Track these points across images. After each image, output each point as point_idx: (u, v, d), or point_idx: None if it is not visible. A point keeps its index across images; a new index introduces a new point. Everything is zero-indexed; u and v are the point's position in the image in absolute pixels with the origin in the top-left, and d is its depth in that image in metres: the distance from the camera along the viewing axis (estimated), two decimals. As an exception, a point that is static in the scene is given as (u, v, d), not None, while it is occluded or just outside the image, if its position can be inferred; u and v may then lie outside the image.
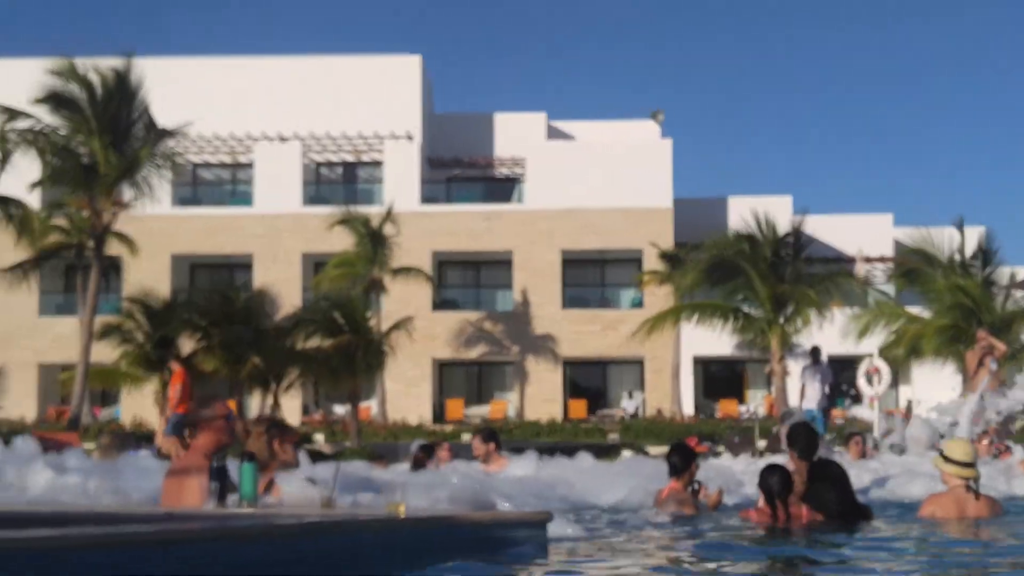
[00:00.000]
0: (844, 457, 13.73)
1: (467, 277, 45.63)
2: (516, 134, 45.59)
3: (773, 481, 7.92)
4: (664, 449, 17.96)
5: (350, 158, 45.71)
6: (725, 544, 7.06)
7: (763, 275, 31.12)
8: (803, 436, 8.96)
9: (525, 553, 5.63)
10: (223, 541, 4.75)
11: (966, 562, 6.31)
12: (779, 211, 34.93)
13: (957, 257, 31.63)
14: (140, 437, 26.48)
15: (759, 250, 31.50)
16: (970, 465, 8.16)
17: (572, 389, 43.34)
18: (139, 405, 30.06)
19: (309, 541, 4.97)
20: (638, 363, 42.89)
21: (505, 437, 34.76)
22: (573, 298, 43.90)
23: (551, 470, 11.88)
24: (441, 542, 5.42)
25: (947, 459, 8.23)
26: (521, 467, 12.23)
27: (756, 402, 42.28)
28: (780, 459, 11.11)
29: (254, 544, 4.82)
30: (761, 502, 7.99)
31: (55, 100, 28.42)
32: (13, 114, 28.04)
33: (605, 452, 23.98)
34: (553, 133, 46.84)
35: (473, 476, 10.74)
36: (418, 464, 13.08)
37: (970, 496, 8.15)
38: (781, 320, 31.25)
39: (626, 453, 25.86)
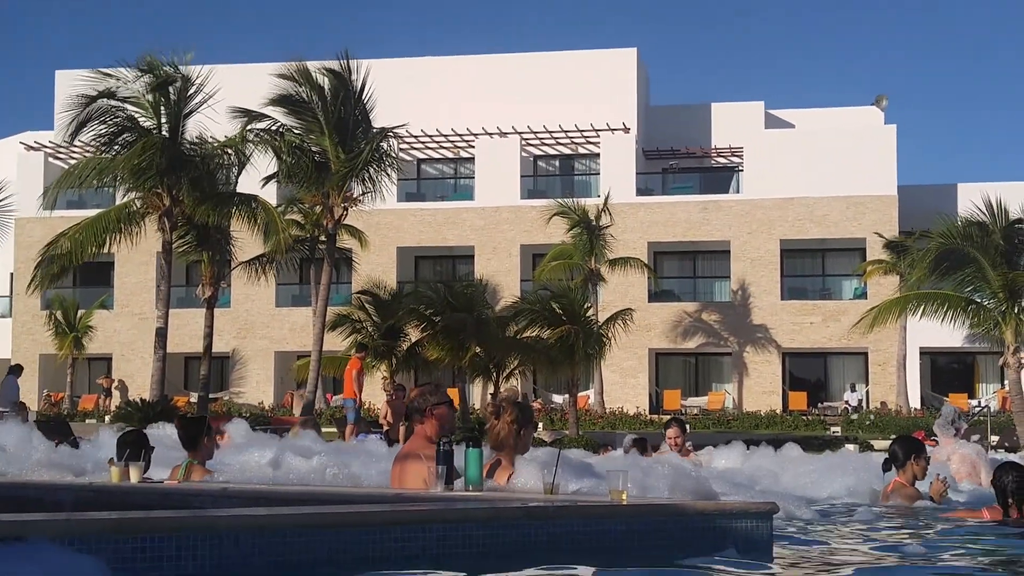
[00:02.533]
0: None
1: (684, 268, 45.44)
2: (733, 124, 45.10)
3: (1008, 480, 7.66)
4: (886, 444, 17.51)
5: (567, 151, 46.14)
6: (944, 543, 6.89)
7: (995, 263, 29.86)
8: None
9: (749, 545, 5.55)
10: (453, 523, 4.98)
11: None
12: (1013, 197, 33.50)
13: None
14: (369, 422, 27.49)
15: (991, 237, 30.21)
16: None
17: (792, 381, 42.65)
18: (368, 392, 31.13)
19: (533, 526, 5.10)
20: (861, 355, 41.88)
21: (723, 429, 34.78)
22: (793, 289, 43.17)
23: (760, 461, 11.63)
24: (664, 531, 5.40)
25: None
26: (727, 457, 12.08)
27: (987, 396, 40.70)
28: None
29: (479, 526, 5.00)
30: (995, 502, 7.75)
31: (288, 102, 29.72)
32: (252, 116, 29.45)
33: (827, 445, 23.57)
34: (771, 122, 46.13)
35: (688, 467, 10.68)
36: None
37: None
38: (1017, 311, 29.93)
39: (848, 447, 25.36)
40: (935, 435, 13.08)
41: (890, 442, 9.25)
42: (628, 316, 33.14)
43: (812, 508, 8.29)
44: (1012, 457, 12.90)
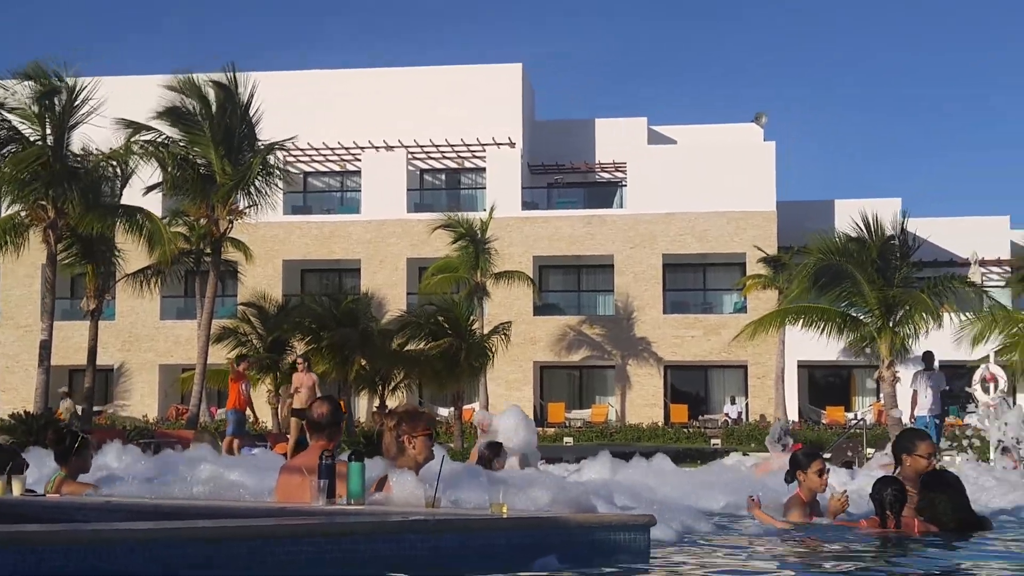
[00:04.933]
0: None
1: (568, 282, 45.85)
2: (617, 139, 45.73)
3: (887, 493, 7.81)
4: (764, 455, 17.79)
5: (454, 165, 46.29)
6: (830, 553, 7.02)
7: (871, 279, 30.61)
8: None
9: (627, 557, 5.60)
10: (334, 537, 5.00)
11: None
12: (887, 214, 34.40)
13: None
14: (255, 435, 27.20)
15: (866, 253, 30.99)
16: None
17: (673, 394, 43.27)
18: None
19: (414, 539, 5.12)
20: (741, 368, 42.66)
21: (606, 441, 35.12)
22: (674, 303, 43.84)
23: (631, 473, 11.54)
24: (545, 543, 5.44)
25: None
26: (594, 470, 12.03)
27: (864, 409, 41.75)
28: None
29: (360, 540, 5.02)
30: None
31: (175, 114, 29.38)
32: (138, 128, 29.04)
33: (710, 457, 23.97)
34: (654, 138, 46.85)
35: (570, 478, 10.67)
36: (483, 462, 12.94)
37: None
38: (891, 324, 30.73)
39: (736, 458, 25.78)
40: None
41: (791, 454, 9.37)
42: (508, 329, 33.33)
43: (697, 519, 8.38)
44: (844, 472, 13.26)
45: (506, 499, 5.66)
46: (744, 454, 24.33)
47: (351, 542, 5.01)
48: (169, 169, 28.90)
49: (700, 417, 41.88)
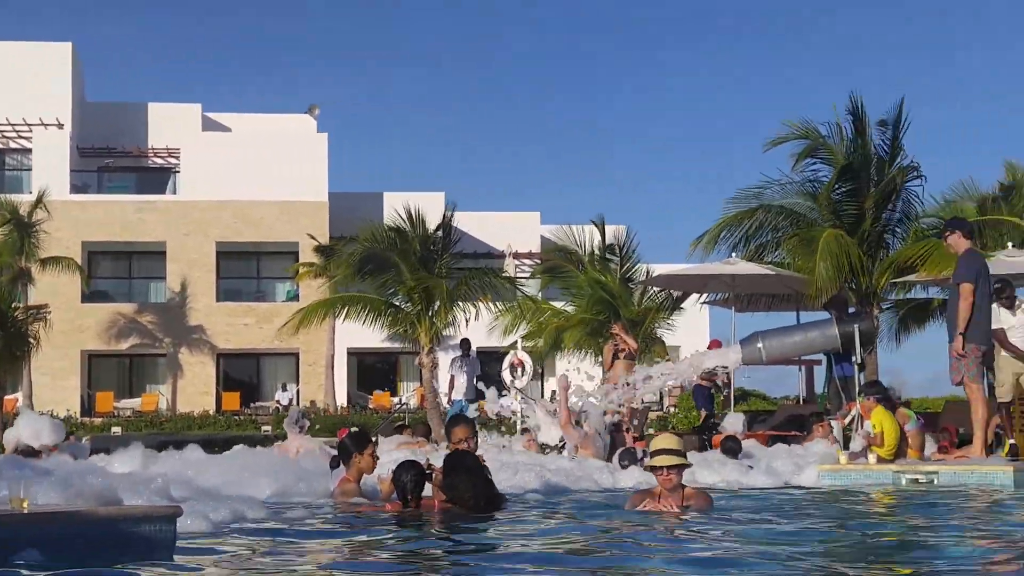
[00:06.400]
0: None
1: (119, 268, 44.86)
2: (170, 125, 45.23)
3: (407, 478, 8.24)
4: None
5: (-2, 145, 44.05)
6: (359, 533, 7.35)
7: (413, 269, 32.14)
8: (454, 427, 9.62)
9: (152, 549, 5.55)
10: None
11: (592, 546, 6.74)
12: (432, 207, 36.19)
13: (597, 254, 33.47)
14: None
15: (409, 244, 32.55)
16: (681, 454, 8.05)
17: (226, 382, 43.43)
18: None
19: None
20: (293, 355, 43.46)
21: (156, 430, 34.82)
22: (228, 290, 43.98)
23: (166, 465, 11.09)
24: (68, 537, 5.35)
25: (657, 451, 8.00)
26: (126, 462, 11.61)
27: (408, 393, 43.69)
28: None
29: None
30: (391, 494, 8.39)
31: None
32: None
33: (260, 443, 24.56)
34: (208, 125, 46.69)
35: (98, 471, 10.04)
36: (29, 455, 12.68)
37: (679, 488, 7.99)
38: (430, 313, 32.45)
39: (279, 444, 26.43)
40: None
41: (339, 442, 9.54)
42: (51, 315, 32.40)
43: (242, 506, 8.15)
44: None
45: (28, 493, 5.48)
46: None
47: None
48: None
49: (252, 404, 42.31)
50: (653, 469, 8.02)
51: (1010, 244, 20.22)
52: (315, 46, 74.71)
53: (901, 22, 76.35)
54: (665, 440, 8.14)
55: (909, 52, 76.49)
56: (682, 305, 30.44)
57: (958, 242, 12.90)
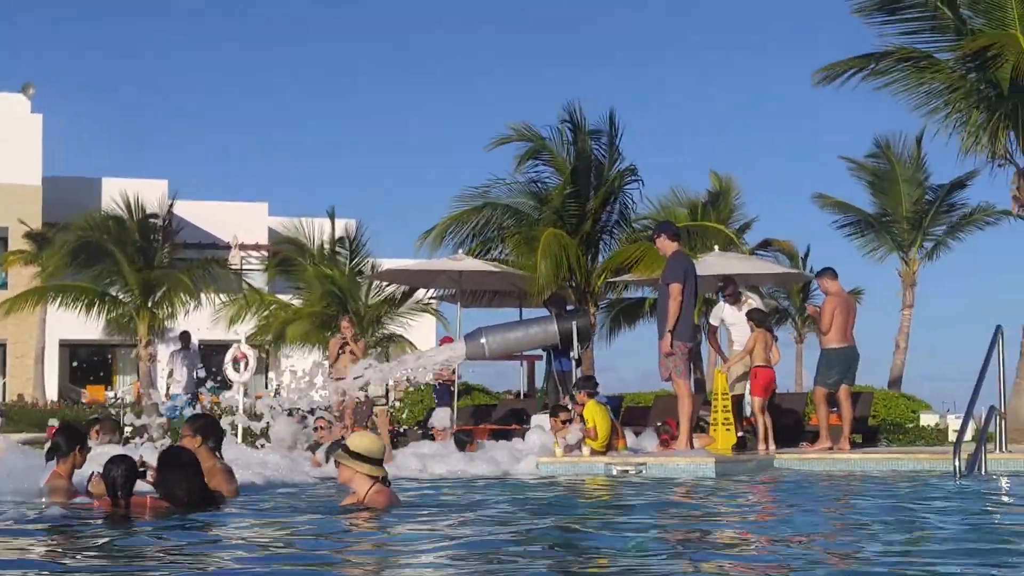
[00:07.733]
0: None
1: None
2: None
3: (117, 473, 7.85)
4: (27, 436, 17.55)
5: None
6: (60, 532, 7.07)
7: (132, 258, 31.12)
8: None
9: None
10: None
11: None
12: (153, 195, 34.99)
13: (327, 247, 33.23)
14: None
15: (128, 233, 31.47)
16: (379, 462, 7.81)
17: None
18: None
19: None
20: (0, 347, 41.30)
21: None
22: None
23: None
24: None
25: (353, 455, 7.74)
26: None
27: (124, 387, 42.20)
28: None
29: None
30: (100, 491, 7.91)
31: None
32: None
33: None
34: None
35: None
36: None
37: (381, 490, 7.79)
38: (150, 305, 31.46)
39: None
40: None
41: (54, 434, 9.05)
42: None
43: None
44: None
45: None
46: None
47: None
48: None
49: (-48, 399, 39.94)
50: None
51: (716, 247, 21.39)
52: (31, 20, 70.98)
53: (619, 29, 78.94)
54: (356, 439, 7.95)
55: (624, 57, 79.11)
56: (420, 300, 30.64)
57: (666, 244, 13.46)
